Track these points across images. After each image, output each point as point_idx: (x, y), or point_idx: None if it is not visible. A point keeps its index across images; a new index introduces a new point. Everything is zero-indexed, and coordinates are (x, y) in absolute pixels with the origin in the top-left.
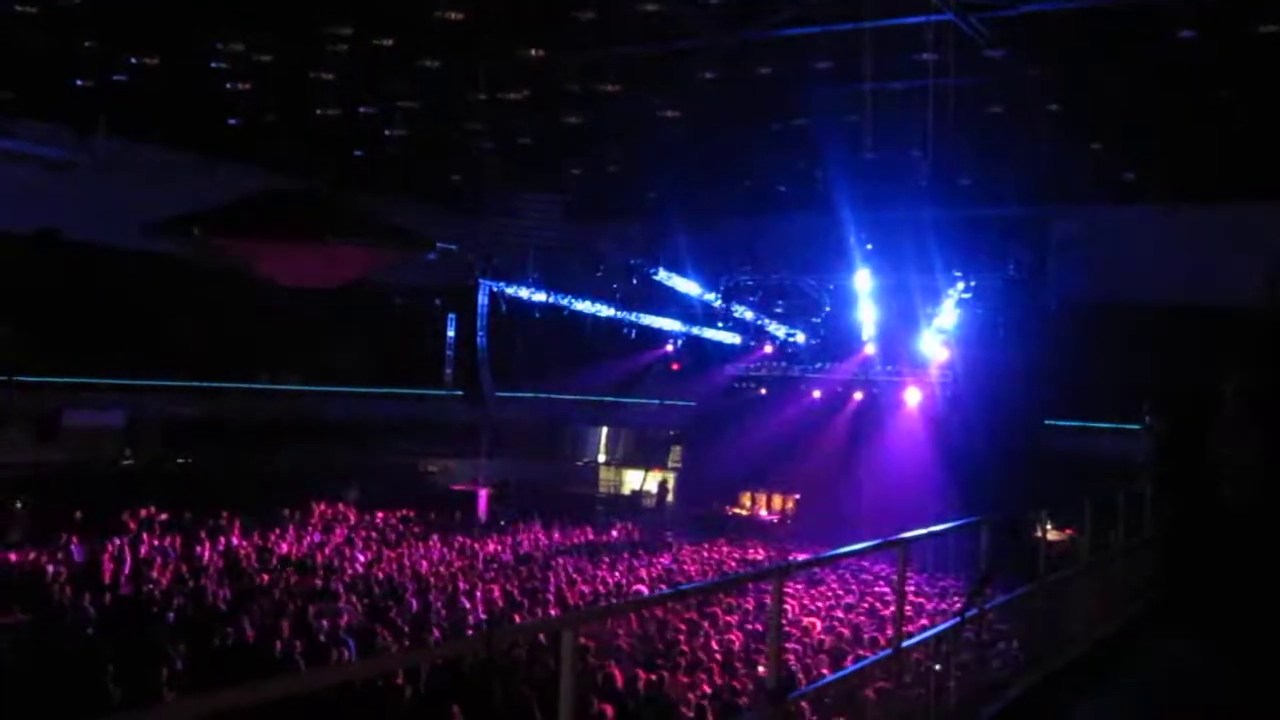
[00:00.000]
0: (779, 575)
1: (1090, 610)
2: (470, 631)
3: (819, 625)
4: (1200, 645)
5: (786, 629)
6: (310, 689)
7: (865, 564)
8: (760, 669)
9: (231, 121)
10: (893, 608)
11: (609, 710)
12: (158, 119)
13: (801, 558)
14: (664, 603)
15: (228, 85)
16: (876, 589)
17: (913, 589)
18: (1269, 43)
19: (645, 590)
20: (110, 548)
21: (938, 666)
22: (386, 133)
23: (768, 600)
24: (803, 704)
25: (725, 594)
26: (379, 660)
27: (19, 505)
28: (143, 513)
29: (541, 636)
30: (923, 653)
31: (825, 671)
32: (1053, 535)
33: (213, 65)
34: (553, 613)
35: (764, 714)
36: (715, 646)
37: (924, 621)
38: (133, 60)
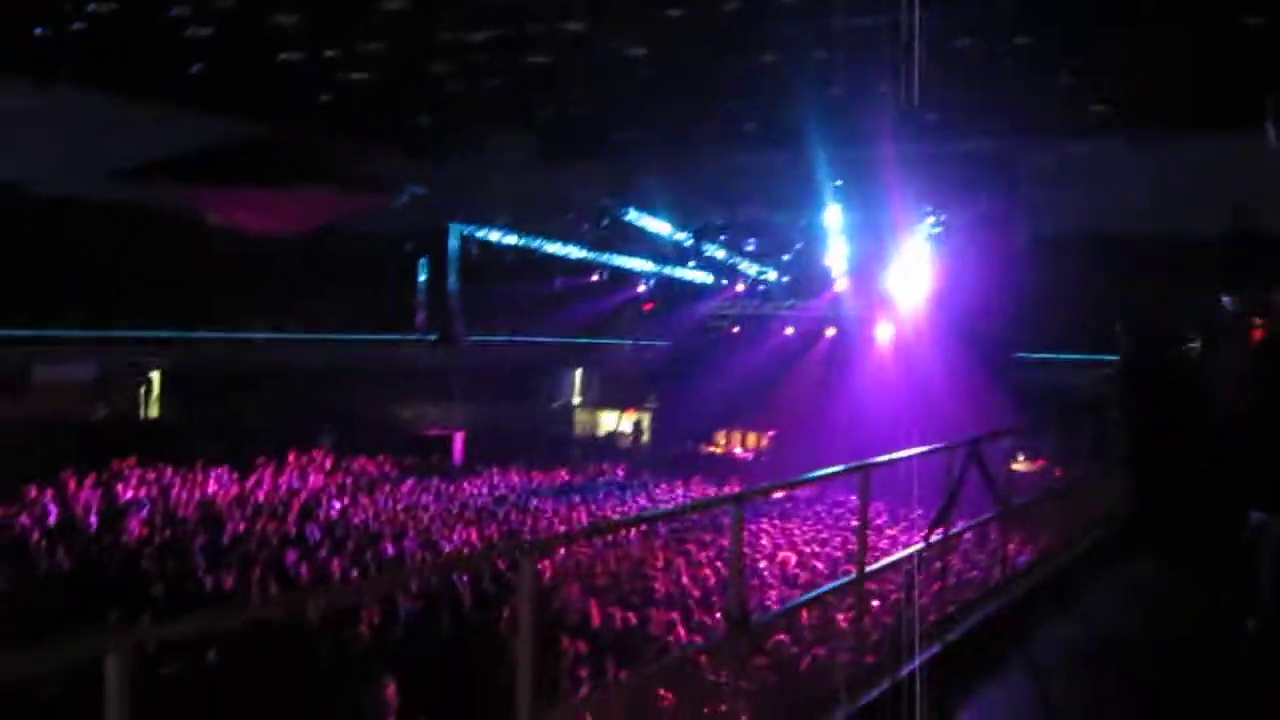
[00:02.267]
0: (737, 502)
1: (1055, 536)
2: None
3: (793, 559)
4: (1161, 569)
5: (763, 565)
6: (260, 618)
7: (842, 499)
8: None
9: (194, 69)
10: (873, 539)
11: (582, 647)
12: (119, 68)
13: (777, 494)
14: (623, 529)
15: (188, 32)
16: (853, 524)
17: (885, 520)
18: None
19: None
20: (85, 500)
21: (901, 592)
22: (352, 77)
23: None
24: (782, 636)
25: (696, 533)
26: (338, 590)
27: None
28: (116, 465)
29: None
30: (887, 578)
31: (812, 619)
32: (1024, 466)
33: (172, 13)
34: None
35: (727, 639)
36: (687, 582)
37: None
38: (92, 7)
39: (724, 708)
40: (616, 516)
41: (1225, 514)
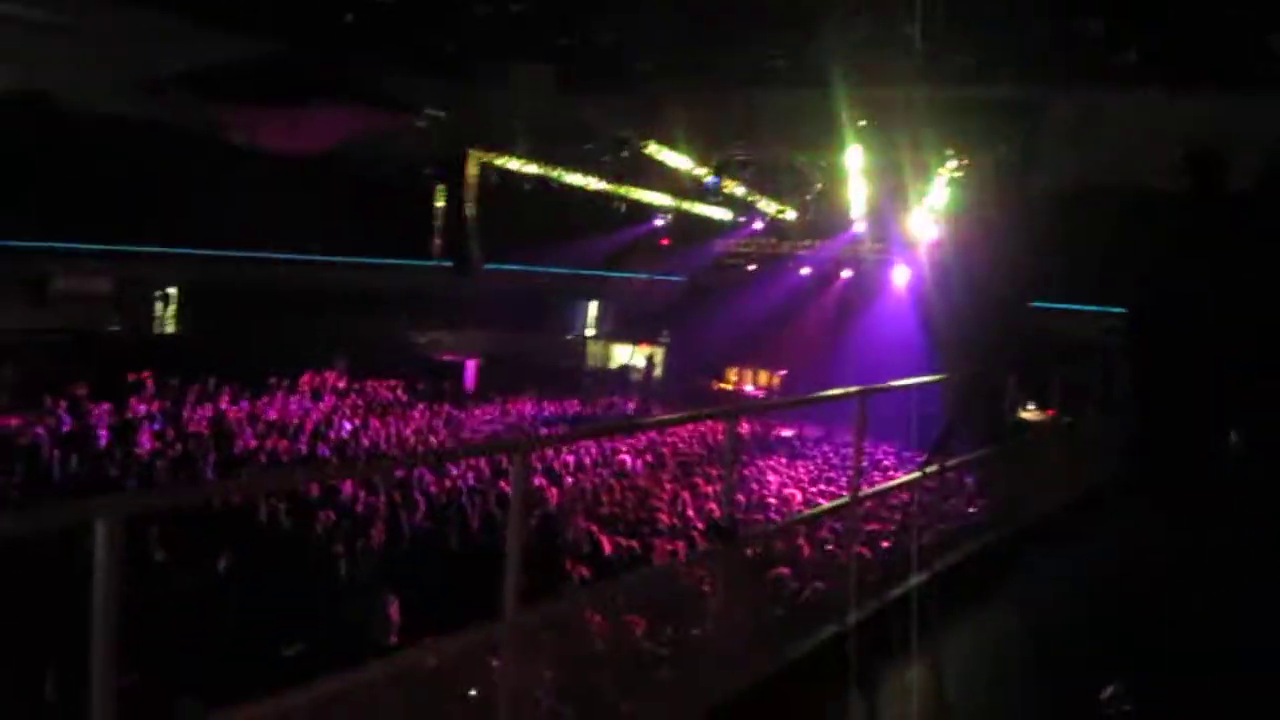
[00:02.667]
0: (731, 416)
1: (1056, 475)
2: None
3: (799, 497)
4: (1157, 512)
5: (770, 500)
6: (250, 490)
7: (849, 440)
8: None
9: None
10: (877, 478)
11: (586, 571)
12: None
13: (787, 432)
14: (618, 432)
15: None
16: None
17: (893, 461)
18: None
19: (628, 459)
20: (98, 411)
21: (898, 516)
22: None
23: (749, 472)
24: (783, 570)
25: (704, 467)
26: (316, 470)
27: (6, 370)
28: (131, 377)
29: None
30: (879, 504)
31: (806, 544)
32: (1033, 415)
33: None
34: (539, 481)
35: (714, 549)
36: (692, 515)
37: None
38: None
39: (710, 616)
40: (624, 447)
41: (1219, 451)
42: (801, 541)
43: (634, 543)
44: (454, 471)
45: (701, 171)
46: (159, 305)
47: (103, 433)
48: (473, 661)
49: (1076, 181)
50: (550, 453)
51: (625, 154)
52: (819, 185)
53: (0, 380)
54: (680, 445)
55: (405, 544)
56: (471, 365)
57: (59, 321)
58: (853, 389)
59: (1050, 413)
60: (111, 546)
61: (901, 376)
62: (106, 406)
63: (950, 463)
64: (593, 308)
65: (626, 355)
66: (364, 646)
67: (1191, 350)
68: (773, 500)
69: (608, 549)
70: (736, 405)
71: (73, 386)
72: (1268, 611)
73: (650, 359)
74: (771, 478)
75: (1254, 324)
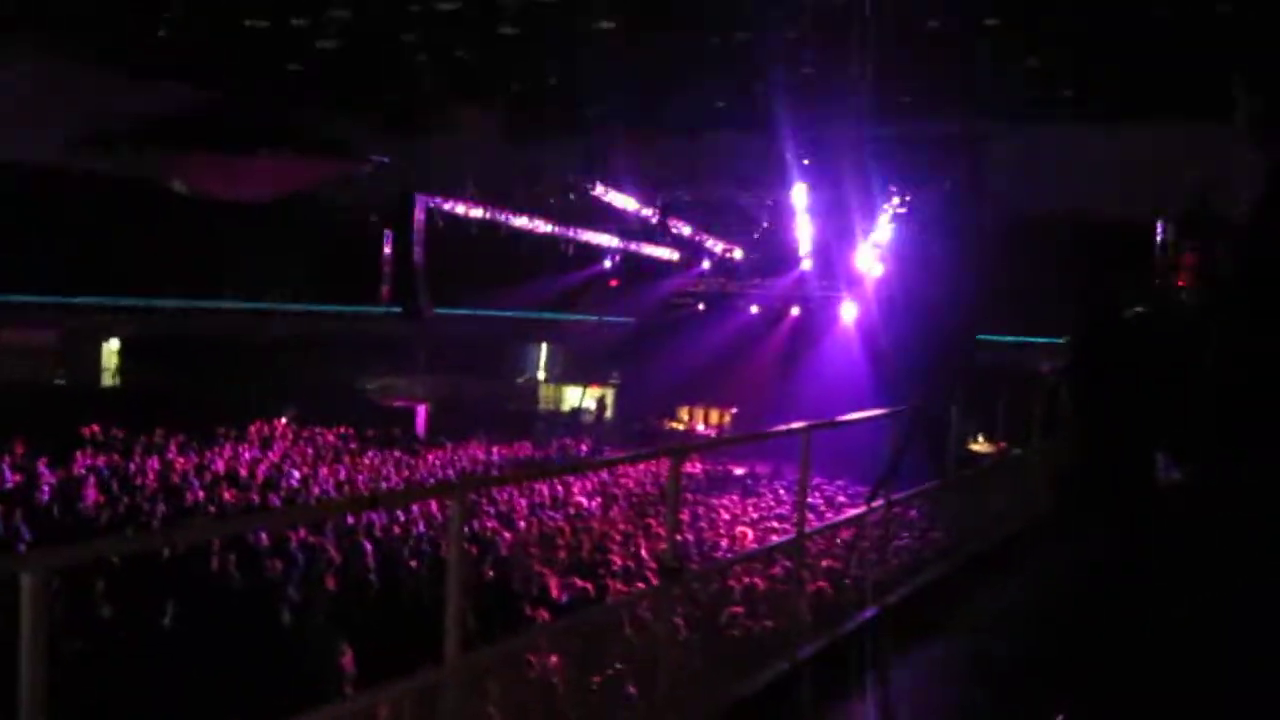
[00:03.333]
0: (676, 455)
1: (1002, 506)
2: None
3: (750, 534)
4: (1107, 537)
5: (721, 539)
6: (184, 540)
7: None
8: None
9: (159, 34)
10: (829, 515)
11: (544, 614)
12: (82, 34)
13: (738, 470)
14: (559, 474)
15: None
16: (813, 502)
17: (845, 498)
18: None
19: (584, 502)
20: (43, 466)
21: (837, 551)
22: (319, 45)
23: (701, 510)
24: (736, 610)
25: (656, 507)
26: (259, 518)
27: None
28: (83, 431)
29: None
30: (827, 540)
31: (757, 580)
32: (983, 447)
33: None
34: (492, 525)
35: (661, 587)
36: (646, 556)
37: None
38: None
39: (658, 654)
40: (577, 489)
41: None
42: (753, 579)
43: (588, 584)
44: (403, 518)
45: (648, 212)
46: (104, 357)
47: (45, 487)
48: (420, 708)
49: (1020, 214)
50: (502, 496)
51: (572, 196)
52: (765, 224)
53: None
54: (632, 486)
55: (355, 592)
56: (422, 410)
57: (3, 375)
58: (798, 425)
59: (1000, 445)
60: (37, 601)
61: (851, 412)
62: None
63: (896, 497)
64: (543, 350)
65: (578, 397)
66: (316, 696)
67: (1126, 376)
68: (724, 540)
69: (554, 592)
70: (682, 444)
71: (12, 442)
72: (1213, 635)
73: (602, 400)
74: (724, 516)
75: (1183, 346)
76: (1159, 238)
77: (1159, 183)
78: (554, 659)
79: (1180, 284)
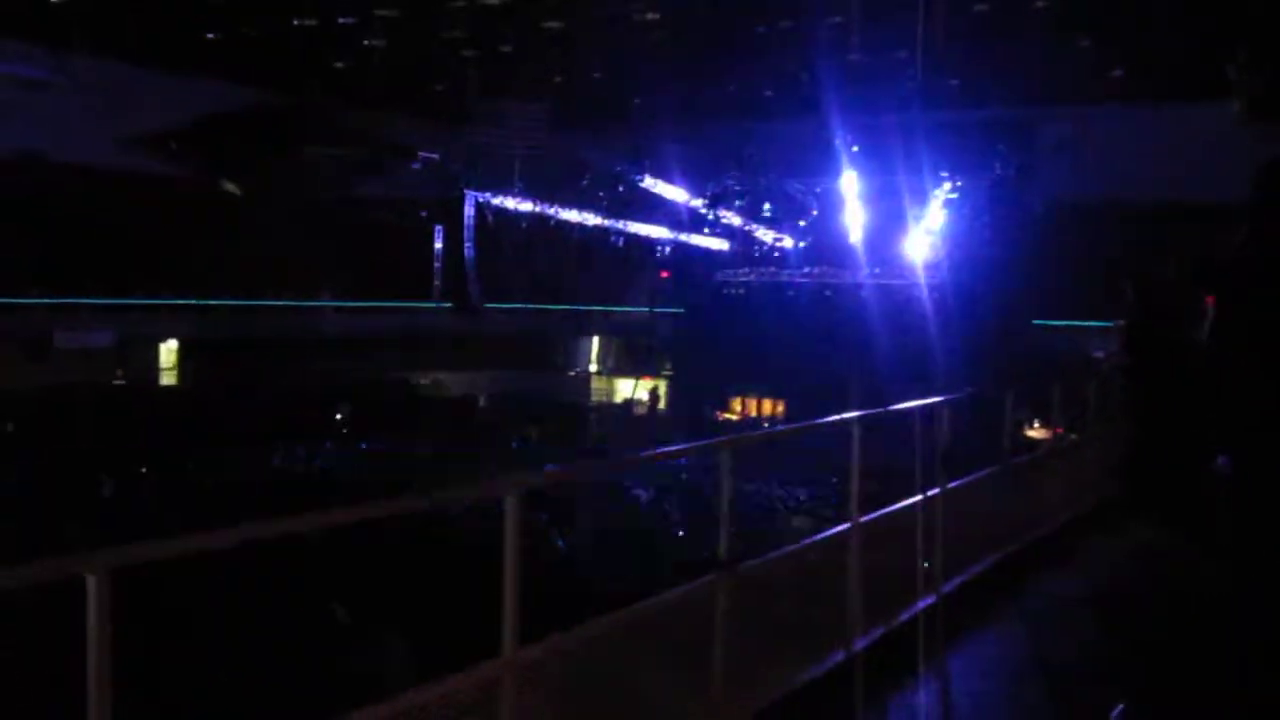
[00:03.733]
0: (730, 445)
1: (1058, 493)
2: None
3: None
4: (1163, 528)
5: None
6: (251, 539)
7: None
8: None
9: (209, 36)
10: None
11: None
12: (135, 37)
13: None
14: (617, 470)
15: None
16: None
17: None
18: None
19: (641, 494)
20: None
21: (903, 539)
22: (366, 43)
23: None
24: (790, 600)
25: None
26: (317, 518)
27: (9, 427)
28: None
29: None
30: (882, 528)
31: (811, 570)
32: (1039, 433)
33: None
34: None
35: (717, 582)
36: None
37: None
38: None
39: (713, 646)
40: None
41: (1206, 463)
42: (807, 568)
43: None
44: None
45: (697, 203)
46: (162, 357)
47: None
48: (480, 700)
49: (1071, 197)
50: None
51: (620, 188)
52: (815, 212)
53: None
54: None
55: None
56: (475, 404)
57: (62, 377)
58: (846, 416)
59: (1056, 431)
60: (102, 600)
61: (904, 399)
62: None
63: (952, 484)
64: (595, 343)
65: (630, 389)
66: (375, 690)
67: (1184, 366)
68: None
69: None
70: (733, 436)
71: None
72: (1274, 629)
73: (654, 391)
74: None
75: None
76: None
77: (1213, 163)
78: (611, 651)
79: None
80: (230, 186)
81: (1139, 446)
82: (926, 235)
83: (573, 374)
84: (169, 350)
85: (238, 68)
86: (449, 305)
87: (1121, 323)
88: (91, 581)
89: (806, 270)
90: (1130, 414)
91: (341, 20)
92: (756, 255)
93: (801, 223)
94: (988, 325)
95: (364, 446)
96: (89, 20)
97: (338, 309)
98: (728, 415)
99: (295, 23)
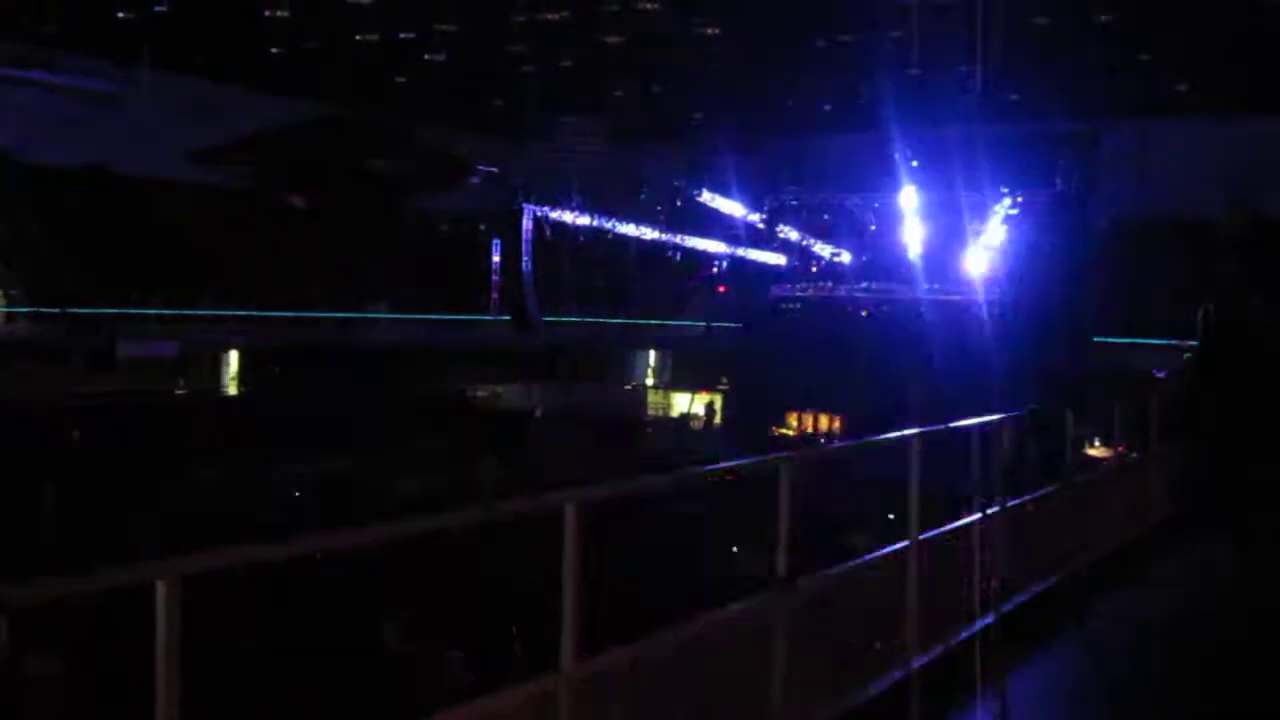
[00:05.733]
0: (788, 463)
1: (1120, 512)
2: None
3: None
4: (1226, 549)
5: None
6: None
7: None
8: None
9: (273, 51)
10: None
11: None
12: (200, 51)
13: None
14: (670, 487)
15: (266, 13)
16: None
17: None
18: None
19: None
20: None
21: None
22: (427, 58)
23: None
24: (848, 618)
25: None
26: (372, 531)
27: (75, 435)
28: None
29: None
30: (941, 546)
31: (870, 587)
32: (1100, 451)
33: None
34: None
35: (775, 597)
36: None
37: None
38: None
39: (771, 663)
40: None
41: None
42: (865, 586)
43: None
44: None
45: (755, 217)
46: (223, 368)
47: None
48: (537, 715)
49: (1133, 213)
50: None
51: (678, 202)
52: (873, 226)
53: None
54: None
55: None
56: (533, 417)
57: (126, 385)
58: (909, 430)
59: (1119, 448)
60: (172, 607)
61: (964, 416)
62: None
63: (1013, 502)
64: (651, 356)
65: (686, 403)
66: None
67: (1252, 385)
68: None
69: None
70: (789, 453)
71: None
72: None
73: (710, 406)
74: None
75: None
76: None
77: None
78: (668, 666)
79: None
80: (295, 200)
81: (1201, 466)
82: (986, 250)
83: (629, 387)
84: (229, 361)
85: (301, 82)
86: (506, 318)
87: (1193, 344)
88: (161, 588)
89: (864, 285)
90: (1193, 434)
91: (403, 35)
92: (814, 270)
93: (860, 238)
94: (1048, 342)
95: None
96: (156, 35)
97: (395, 321)
98: (784, 430)
99: (358, 38)
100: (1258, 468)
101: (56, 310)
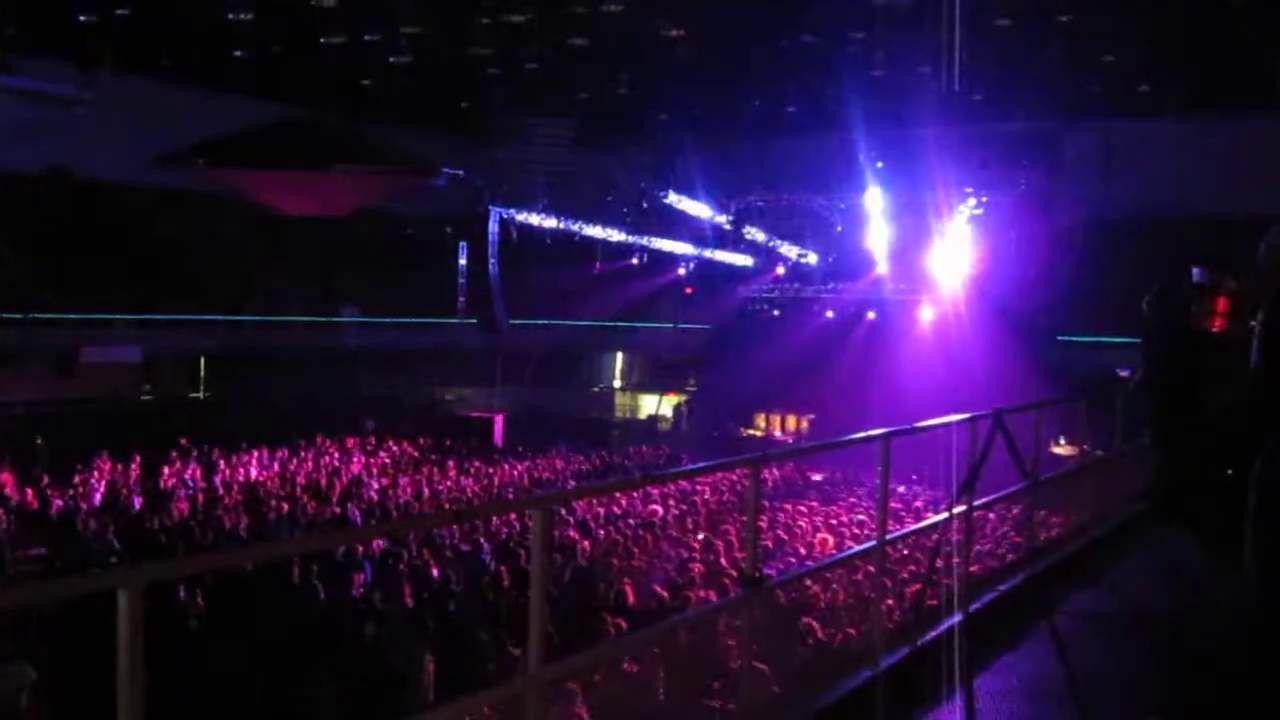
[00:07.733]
0: (755, 463)
1: (1085, 511)
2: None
3: (831, 541)
4: (1191, 545)
5: (800, 547)
6: (271, 557)
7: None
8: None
9: (236, 54)
10: (907, 521)
11: (623, 623)
12: (162, 53)
13: (816, 476)
14: (637, 487)
15: (230, 16)
16: (891, 506)
17: (922, 503)
18: None
19: (659, 509)
20: (131, 480)
21: (925, 562)
22: (392, 60)
23: (781, 517)
24: (816, 618)
25: (734, 516)
26: (344, 534)
27: (39, 441)
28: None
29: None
30: (909, 546)
31: (836, 586)
32: (1065, 450)
33: None
34: (570, 534)
35: (743, 599)
36: (726, 564)
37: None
38: None
39: (739, 664)
40: (655, 495)
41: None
42: (834, 586)
43: (664, 592)
44: (484, 529)
45: (721, 219)
46: (186, 372)
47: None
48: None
49: (1095, 212)
50: (581, 504)
51: (645, 204)
52: (839, 228)
53: (34, 452)
54: (708, 493)
55: (435, 601)
56: (499, 420)
57: (90, 391)
58: (877, 431)
59: (1082, 448)
60: (134, 614)
61: (930, 415)
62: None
63: (979, 502)
64: (619, 359)
65: (654, 405)
66: (403, 697)
67: (1206, 381)
68: (802, 547)
69: (631, 599)
70: (761, 452)
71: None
72: None
73: (678, 408)
74: (803, 523)
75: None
76: None
77: (1240, 178)
78: (633, 669)
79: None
80: (251, 201)
81: (1163, 462)
82: (951, 250)
83: (596, 390)
84: (192, 366)
85: (264, 84)
86: (473, 321)
87: (1140, 340)
88: (123, 596)
89: (831, 286)
90: (1153, 430)
91: (367, 37)
92: (781, 271)
93: (828, 239)
94: (1014, 341)
95: None
96: (116, 38)
97: (361, 325)
98: (752, 431)
99: (322, 40)
100: (1217, 463)
101: (19, 315)
